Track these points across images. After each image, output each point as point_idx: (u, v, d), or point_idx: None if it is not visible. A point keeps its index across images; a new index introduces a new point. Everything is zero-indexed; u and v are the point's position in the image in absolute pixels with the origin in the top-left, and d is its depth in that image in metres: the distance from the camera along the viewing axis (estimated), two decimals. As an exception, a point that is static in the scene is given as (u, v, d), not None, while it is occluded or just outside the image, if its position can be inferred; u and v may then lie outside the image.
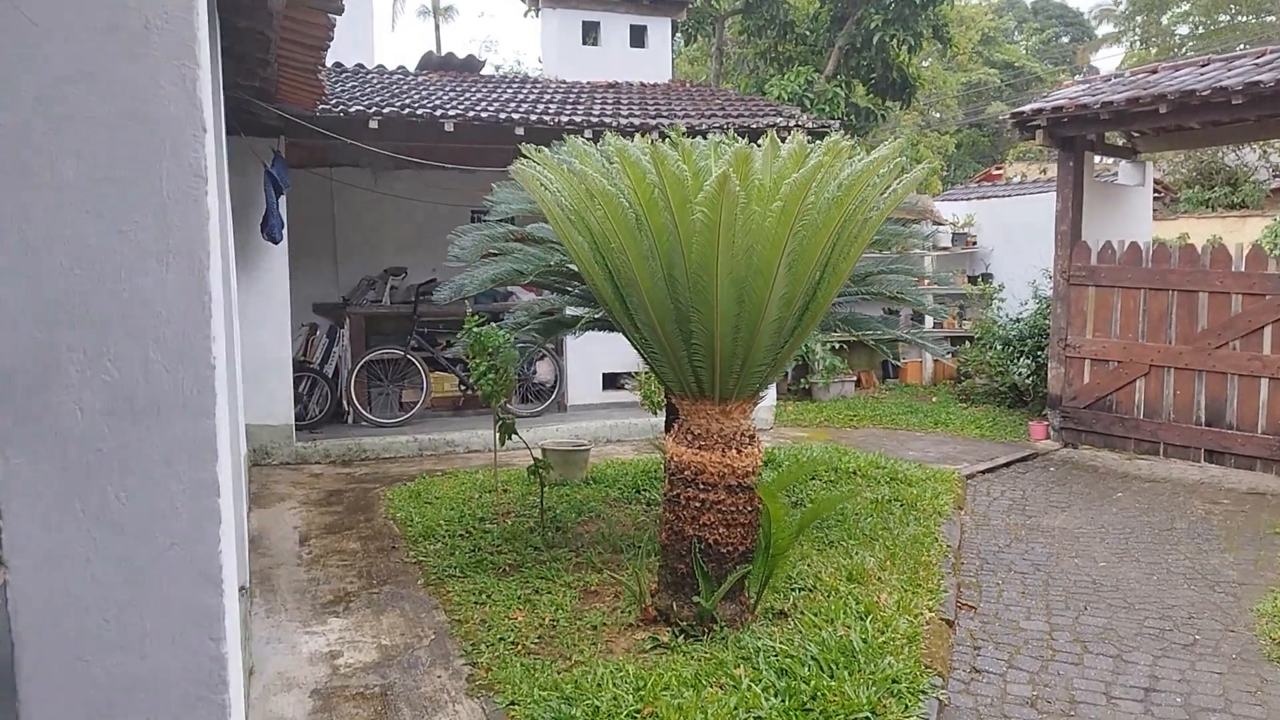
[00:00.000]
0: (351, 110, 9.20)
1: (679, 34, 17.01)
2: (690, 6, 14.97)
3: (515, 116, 9.54)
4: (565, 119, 9.67)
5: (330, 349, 11.49)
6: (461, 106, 9.81)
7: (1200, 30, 36.74)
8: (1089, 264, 10.48)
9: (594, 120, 9.78)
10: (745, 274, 4.79)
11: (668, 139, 5.37)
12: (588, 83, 12.22)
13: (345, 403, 11.09)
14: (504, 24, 63.08)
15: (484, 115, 9.49)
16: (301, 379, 11.08)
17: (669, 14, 12.99)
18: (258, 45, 6.27)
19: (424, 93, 10.63)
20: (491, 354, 6.79)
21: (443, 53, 13.63)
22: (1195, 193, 18.61)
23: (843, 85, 15.45)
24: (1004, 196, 15.30)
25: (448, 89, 11.06)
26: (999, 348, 11.95)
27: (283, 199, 9.29)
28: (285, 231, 9.32)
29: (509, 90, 11.41)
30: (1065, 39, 45.03)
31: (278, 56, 6.69)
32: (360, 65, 11.92)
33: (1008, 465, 9.94)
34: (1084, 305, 10.52)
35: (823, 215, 4.76)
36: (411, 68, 12.76)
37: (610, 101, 11.04)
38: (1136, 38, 40.02)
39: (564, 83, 12.17)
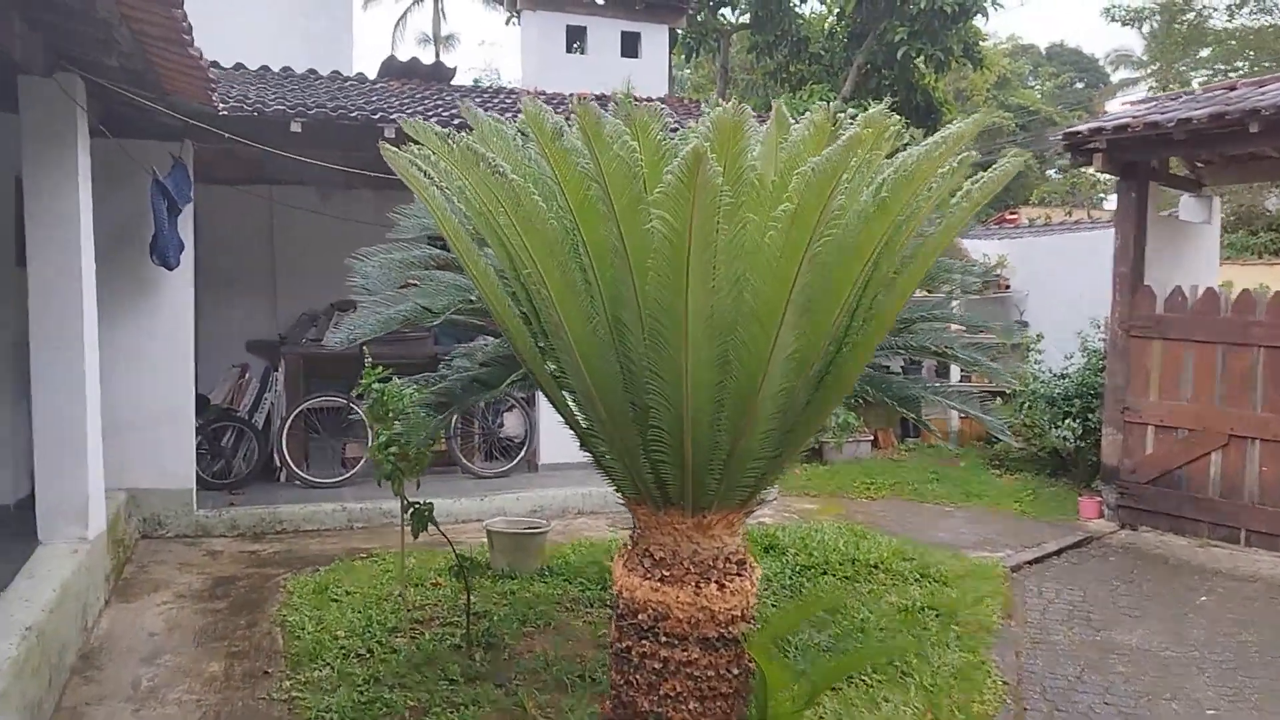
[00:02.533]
0: (269, 110, 7.41)
1: (679, 48, 15.23)
2: (692, 17, 13.26)
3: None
4: (532, 128, 7.86)
5: (261, 395, 9.65)
6: (409, 113, 8.02)
7: (1219, 78, 35.25)
8: (1154, 313, 8.60)
9: (568, 130, 7.99)
10: (733, 318, 2.95)
11: (611, 102, 3.52)
12: (571, 94, 10.42)
13: (276, 458, 9.23)
14: (506, 52, 61.67)
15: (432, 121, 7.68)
16: (226, 430, 9.24)
17: (666, 21, 11.22)
18: (76, -6, 4.49)
19: (376, 99, 8.86)
20: (396, 418, 4.94)
21: (430, 63, 11.86)
22: (1239, 238, 16.76)
23: (862, 107, 13.66)
24: (1040, 235, 13.45)
25: (405, 96, 9.29)
26: (1042, 407, 10.04)
27: (184, 216, 7.48)
28: (186, 255, 7.50)
29: (477, 99, 9.62)
30: (1080, 84, 43.47)
31: (124, 16, 4.92)
32: (312, 70, 10.16)
33: (1059, 553, 8.00)
34: (1147, 361, 8.63)
35: (858, 228, 2.91)
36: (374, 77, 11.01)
37: (592, 113, 9.24)
38: (1154, 84, 38.65)
39: (543, 93, 10.38)
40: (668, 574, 3.39)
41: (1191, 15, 22.92)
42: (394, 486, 5.03)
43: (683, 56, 16.13)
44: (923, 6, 12.70)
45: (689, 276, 2.78)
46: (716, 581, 3.39)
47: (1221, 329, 8.15)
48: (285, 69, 10.09)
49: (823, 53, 14.66)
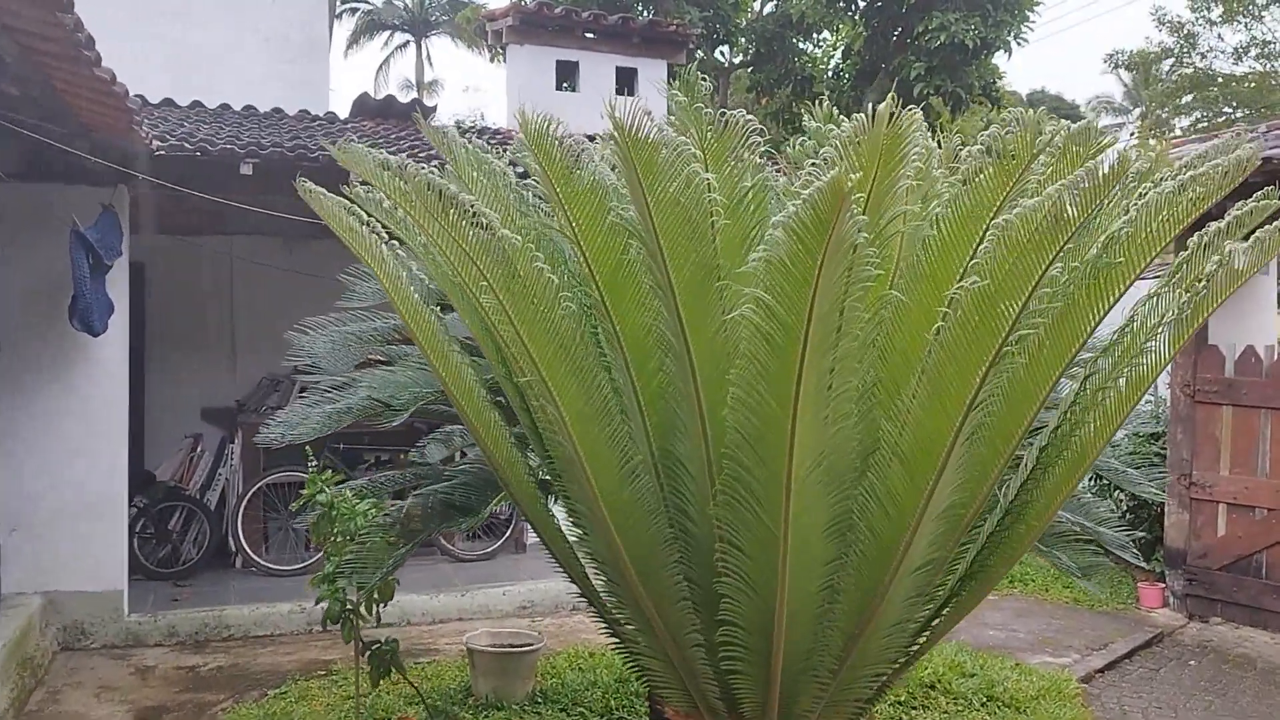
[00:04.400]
0: (215, 150, 6.26)
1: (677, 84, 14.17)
2: (691, 53, 12.21)
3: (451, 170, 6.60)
4: (521, 170, 6.73)
5: (215, 469, 8.40)
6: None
7: (1203, 125, 34.87)
8: (1222, 375, 7.49)
9: (562, 173, 6.86)
10: (860, 458, 1.80)
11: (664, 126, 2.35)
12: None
13: (231, 541, 8.00)
14: (491, 98, 59.69)
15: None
16: (174, 510, 8.00)
17: (665, 56, 10.17)
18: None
19: (343, 140, 7.71)
20: (349, 540, 3.73)
21: (407, 101, 10.71)
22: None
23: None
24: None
25: (377, 136, 8.16)
26: (1087, 479, 8.87)
27: (118, 273, 6.30)
28: (119, 318, 6.29)
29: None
30: (1062, 131, 43.13)
31: (4, 26, 3.78)
32: (277, 109, 9.03)
33: (1130, 656, 6.79)
34: (1216, 430, 7.50)
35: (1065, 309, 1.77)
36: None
37: (587, 155, 8.13)
38: (1135, 130, 38.43)
39: (531, 133, 9.27)
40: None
41: (1196, 58, 22.13)
42: (344, 632, 3.80)
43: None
44: (942, 40, 11.68)
45: (799, 394, 1.63)
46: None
47: (1305, 394, 7.04)
48: (248, 107, 8.95)
49: (828, 92, 13.63)
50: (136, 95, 8.53)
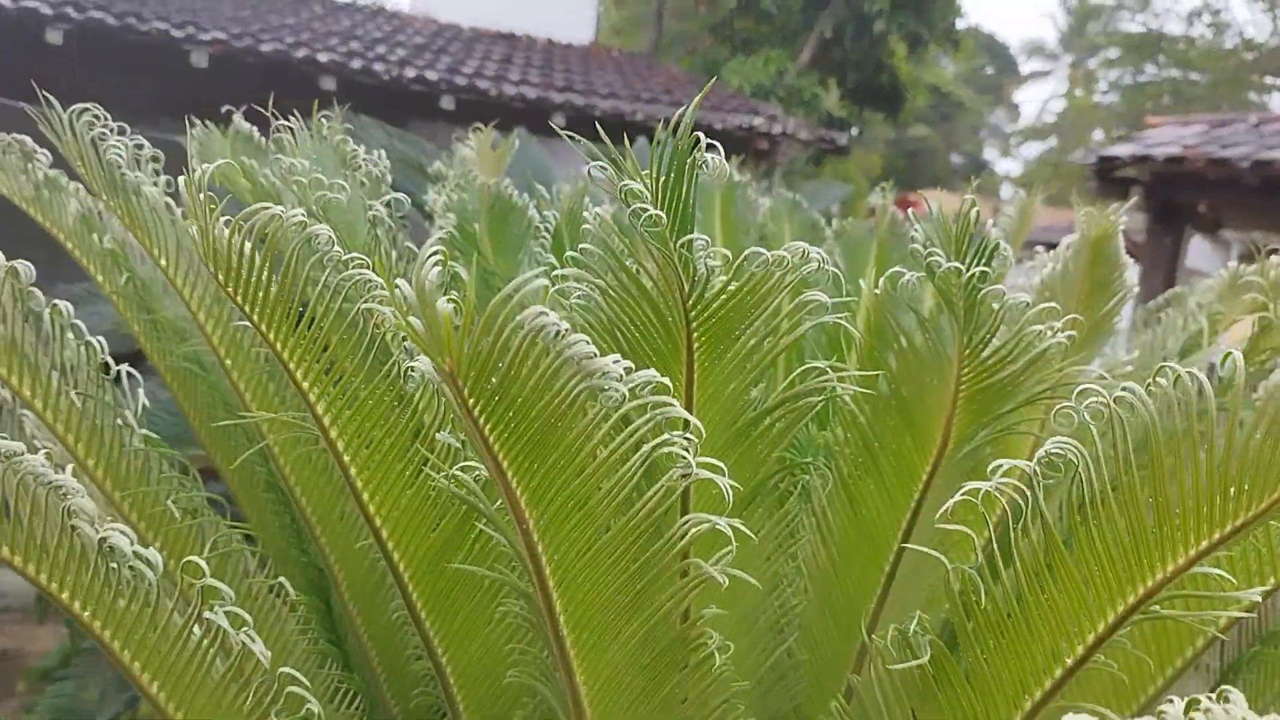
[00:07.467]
0: (14, 6, 4.82)
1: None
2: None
3: (323, 60, 5.29)
4: (412, 74, 5.45)
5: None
6: (235, 32, 5.51)
7: (1127, 80, 34.76)
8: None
9: (462, 82, 5.59)
10: None
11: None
12: (470, 28, 7.93)
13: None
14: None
15: (265, 50, 5.20)
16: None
17: (599, -50, 8.80)
18: None
19: (197, 8, 6.27)
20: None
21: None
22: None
23: (822, 84, 11.35)
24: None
25: (242, 6, 6.71)
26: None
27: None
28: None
29: (347, 21, 7.12)
30: (990, 70, 42.54)
31: None
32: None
33: None
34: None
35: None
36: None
37: (498, 58, 6.84)
38: (1064, 78, 38.33)
39: (434, 23, 7.86)
40: None
41: (1149, 16, 21.51)
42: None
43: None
44: (911, -29, 10.48)
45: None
46: None
47: None
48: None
49: (774, 11, 12.27)
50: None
